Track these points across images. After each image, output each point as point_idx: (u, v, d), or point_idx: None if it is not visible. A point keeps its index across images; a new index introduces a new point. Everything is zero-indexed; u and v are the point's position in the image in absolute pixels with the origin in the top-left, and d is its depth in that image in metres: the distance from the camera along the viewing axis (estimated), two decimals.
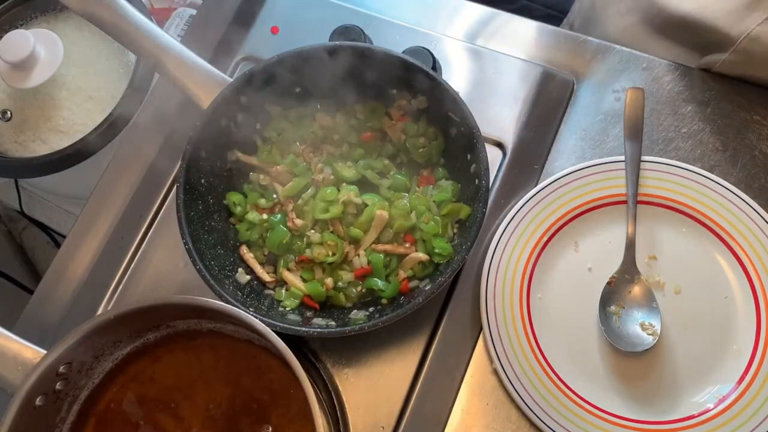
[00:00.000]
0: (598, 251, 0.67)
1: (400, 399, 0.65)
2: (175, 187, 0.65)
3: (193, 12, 1.02)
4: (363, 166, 0.68)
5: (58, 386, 0.54)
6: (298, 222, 0.66)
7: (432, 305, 0.68)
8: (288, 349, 0.50)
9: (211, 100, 0.65)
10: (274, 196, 0.69)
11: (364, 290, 0.65)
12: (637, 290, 0.65)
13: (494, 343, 0.64)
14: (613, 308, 0.64)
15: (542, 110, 0.74)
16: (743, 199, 0.65)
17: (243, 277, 0.66)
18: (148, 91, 0.88)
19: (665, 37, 0.77)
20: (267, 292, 0.66)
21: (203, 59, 0.68)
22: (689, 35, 0.74)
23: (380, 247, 0.64)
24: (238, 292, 0.63)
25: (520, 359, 0.63)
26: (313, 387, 0.49)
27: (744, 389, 0.61)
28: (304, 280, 0.66)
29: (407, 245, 0.65)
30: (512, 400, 0.63)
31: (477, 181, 0.62)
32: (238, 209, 0.68)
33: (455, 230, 0.66)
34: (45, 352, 0.53)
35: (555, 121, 0.73)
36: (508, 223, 0.67)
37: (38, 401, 0.52)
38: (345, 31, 0.73)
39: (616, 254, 0.66)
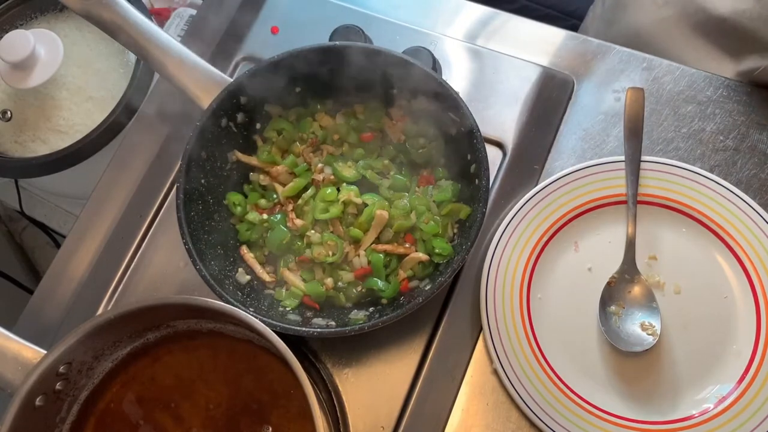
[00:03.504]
0: (598, 251, 0.67)
1: (400, 399, 0.65)
2: (175, 187, 0.65)
3: (193, 12, 1.02)
4: (363, 166, 0.68)
5: (58, 386, 0.54)
6: (298, 222, 0.66)
7: (432, 305, 0.68)
8: (288, 349, 0.50)
9: (211, 100, 0.65)
10: (274, 196, 0.69)
11: (364, 290, 0.65)
12: (637, 290, 0.65)
13: (494, 343, 0.64)
14: (613, 308, 0.64)
15: (542, 110, 0.74)
16: (743, 199, 0.65)
17: (243, 277, 0.66)
18: (148, 91, 0.88)
19: (699, 36, 0.75)
20: (267, 292, 0.66)
21: (203, 59, 0.68)
22: (727, 39, 0.72)
23: (380, 247, 0.64)
24: (238, 292, 0.63)
25: (520, 359, 0.63)
26: (313, 387, 0.49)
27: (744, 389, 0.61)
28: (304, 280, 0.66)
29: (407, 245, 0.65)
30: (512, 400, 0.63)
31: (477, 181, 0.62)
32: (238, 209, 0.68)
33: (455, 230, 0.66)
34: (45, 352, 0.53)
35: (555, 121, 0.73)
36: (508, 223, 0.67)
37: (38, 401, 0.52)
38: (345, 31, 0.73)
39: (616, 254, 0.66)
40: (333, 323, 0.62)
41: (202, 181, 0.66)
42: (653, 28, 0.80)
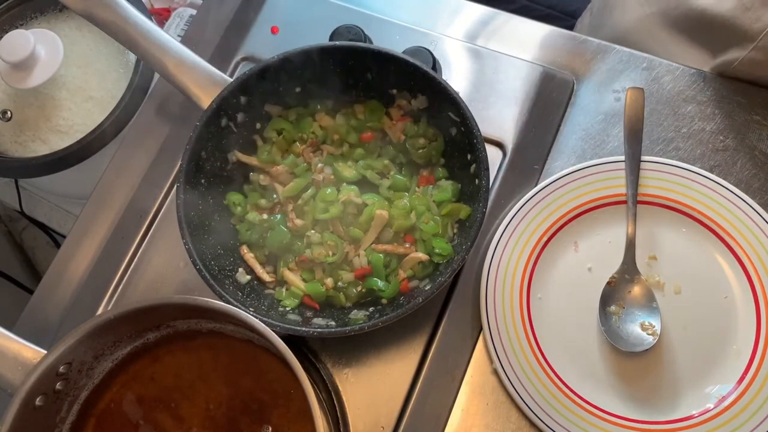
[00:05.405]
0: (598, 251, 0.67)
1: (400, 399, 0.65)
2: (175, 187, 0.65)
3: (193, 12, 1.02)
4: (363, 166, 0.68)
5: (58, 386, 0.54)
6: (298, 222, 0.66)
7: (432, 305, 0.68)
8: (288, 349, 0.50)
9: (211, 100, 0.65)
10: (274, 196, 0.69)
11: (364, 290, 0.65)
12: (637, 290, 0.65)
13: (494, 343, 0.64)
14: (613, 308, 0.64)
15: (542, 110, 0.74)
16: (743, 199, 0.65)
17: (243, 277, 0.66)
18: (148, 91, 0.88)
19: (680, 32, 0.76)
20: (267, 292, 0.66)
21: (203, 59, 0.68)
22: (706, 32, 0.72)
23: (380, 247, 0.64)
24: (238, 292, 0.63)
25: (520, 359, 0.63)
26: (313, 387, 0.49)
27: (744, 389, 0.61)
28: (304, 280, 0.66)
29: (407, 245, 0.65)
30: (512, 400, 0.63)
31: (477, 181, 0.62)
32: (238, 209, 0.68)
33: (455, 230, 0.66)
34: (45, 352, 0.53)
35: (555, 121, 0.73)
36: (508, 223, 0.67)
37: (38, 401, 0.52)
38: (345, 31, 0.73)
39: (616, 254, 0.66)
40: (333, 323, 0.62)
41: (202, 181, 0.66)
42: (636, 28, 0.80)
